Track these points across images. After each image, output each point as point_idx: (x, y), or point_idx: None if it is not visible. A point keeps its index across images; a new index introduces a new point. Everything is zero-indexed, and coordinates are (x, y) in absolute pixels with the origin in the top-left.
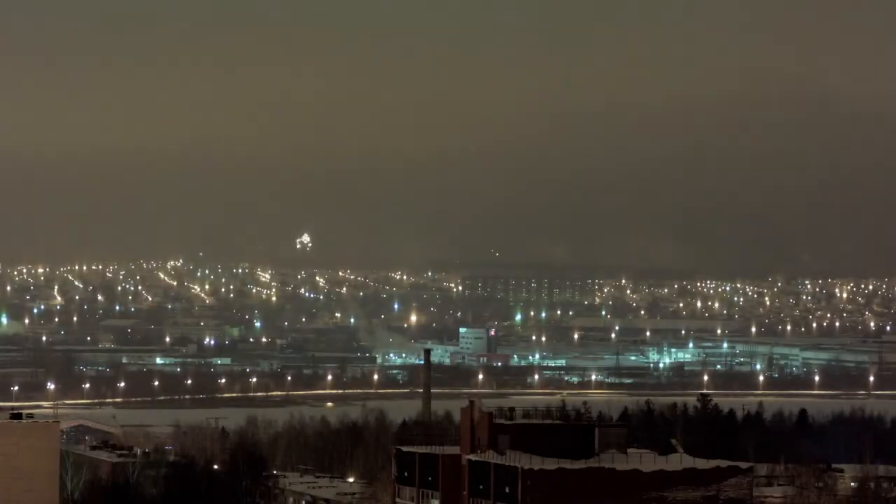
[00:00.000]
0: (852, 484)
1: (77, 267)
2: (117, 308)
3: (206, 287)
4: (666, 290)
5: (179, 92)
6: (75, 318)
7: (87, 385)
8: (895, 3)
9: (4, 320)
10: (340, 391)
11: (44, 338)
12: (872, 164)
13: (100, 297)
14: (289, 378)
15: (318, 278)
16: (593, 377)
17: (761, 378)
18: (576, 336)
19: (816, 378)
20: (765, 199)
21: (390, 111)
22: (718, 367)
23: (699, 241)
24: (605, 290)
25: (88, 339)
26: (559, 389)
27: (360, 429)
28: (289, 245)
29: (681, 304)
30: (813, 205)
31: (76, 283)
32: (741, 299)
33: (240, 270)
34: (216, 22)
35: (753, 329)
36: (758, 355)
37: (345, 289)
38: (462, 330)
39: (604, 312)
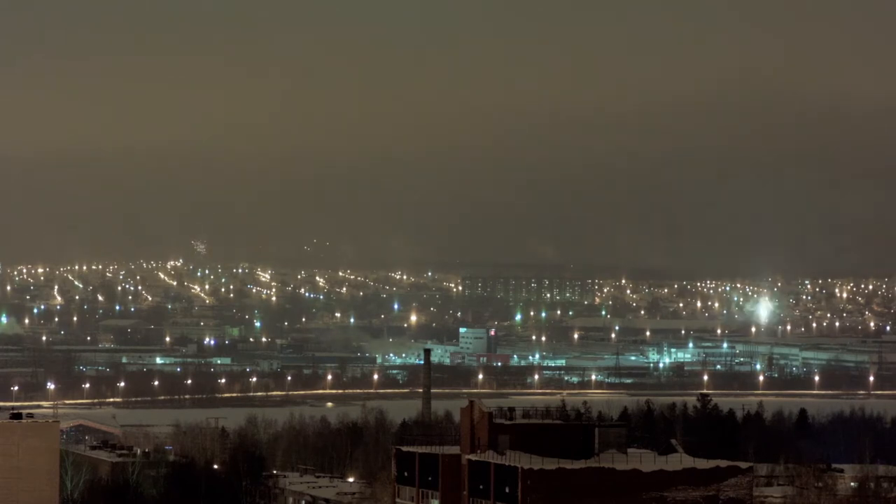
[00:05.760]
0: (852, 484)
1: (77, 267)
2: (117, 308)
3: (206, 287)
4: (666, 290)
5: (180, 93)
6: (75, 318)
7: (87, 385)
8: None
9: (4, 320)
10: (340, 391)
11: (44, 338)
12: (872, 165)
13: (100, 297)
14: (289, 378)
15: (318, 278)
16: (593, 377)
17: (761, 378)
18: (576, 336)
19: (816, 378)
20: (765, 199)
21: (390, 112)
22: (718, 367)
23: (699, 241)
24: (605, 290)
25: (88, 339)
26: (559, 389)
27: (360, 429)
28: (289, 245)
29: (681, 304)
30: (812, 205)
31: (76, 283)
32: (741, 299)
33: (240, 270)
34: (218, 23)
35: (753, 329)
36: (758, 355)
37: (345, 289)
38: (462, 330)
39: (604, 312)
